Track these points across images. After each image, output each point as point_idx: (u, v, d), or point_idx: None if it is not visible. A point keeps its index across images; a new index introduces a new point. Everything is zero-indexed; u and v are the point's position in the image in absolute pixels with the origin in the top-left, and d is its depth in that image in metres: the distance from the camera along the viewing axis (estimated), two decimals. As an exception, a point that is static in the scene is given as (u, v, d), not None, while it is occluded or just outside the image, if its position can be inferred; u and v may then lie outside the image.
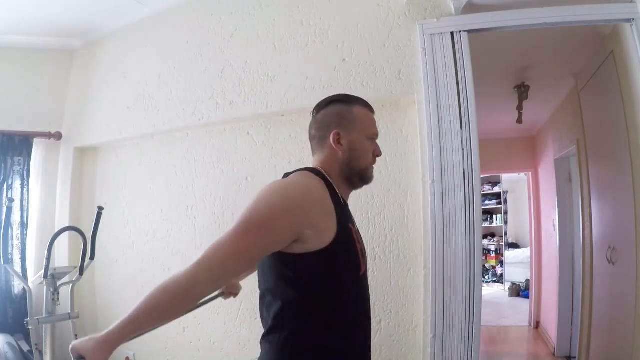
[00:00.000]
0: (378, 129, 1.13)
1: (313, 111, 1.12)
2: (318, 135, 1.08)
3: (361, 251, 1.01)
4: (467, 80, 1.72)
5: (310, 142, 1.12)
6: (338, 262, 0.94)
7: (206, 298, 1.13)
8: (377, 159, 1.12)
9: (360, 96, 1.13)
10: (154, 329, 0.91)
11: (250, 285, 1.24)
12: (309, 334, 0.93)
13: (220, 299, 1.42)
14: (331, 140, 1.04)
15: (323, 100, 1.11)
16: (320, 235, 0.91)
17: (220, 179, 2.35)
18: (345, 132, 1.05)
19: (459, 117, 1.71)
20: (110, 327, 0.84)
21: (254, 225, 0.87)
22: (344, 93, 1.14)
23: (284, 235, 0.89)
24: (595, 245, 2.56)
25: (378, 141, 1.12)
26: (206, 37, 2.39)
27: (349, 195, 1.11)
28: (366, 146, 1.07)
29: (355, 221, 1.11)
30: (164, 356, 2.48)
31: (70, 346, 0.85)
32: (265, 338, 0.97)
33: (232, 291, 1.42)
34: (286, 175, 1.05)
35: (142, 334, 0.91)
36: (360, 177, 1.07)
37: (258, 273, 1.03)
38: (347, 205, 1.08)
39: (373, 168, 1.11)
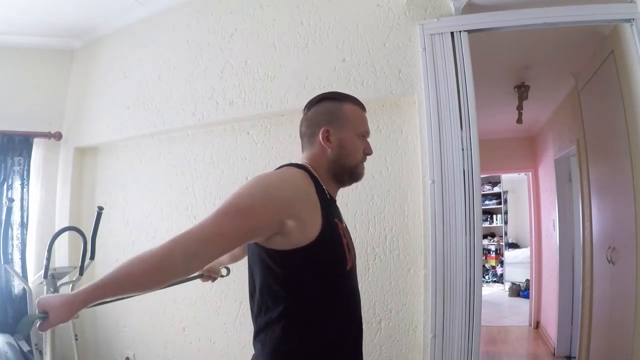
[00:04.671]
0: (369, 127, 1.12)
1: (304, 108, 1.11)
2: (308, 132, 1.08)
3: (347, 246, 1.00)
4: (467, 80, 1.72)
5: (301, 139, 1.11)
6: (324, 256, 0.94)
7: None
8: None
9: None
10: (122, 299, 0.95)
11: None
12: (298, 332, 0.92)
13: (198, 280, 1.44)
14: (320, 137, 1.04)
15: (314, 98, 1.11)
16: (304, 228, 0.91)
17: (220, 179, 2.36)
18: (335, 129, 1.04)
19: (459, 117, 1.71)
20: (80, 289, 0.85)
21: (234, 209, 0.88)
22: (336, 90, 1.14)
23: (264, 222, 0.88)
24: (595, 245, 2.56)
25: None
26: (206, 37, 2.39)
27: (336, 192, 1.10)
28: (356, 144, 1.06)
29: (345, 219, 1.10)
30: (164, 356, 2.49)
31: (37, 300, 0.86)
32: (256, 339, 0.97)
33: (211, 275, 1.44)
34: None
35: (110, 301, 0.91)
36: (349, 174, 1.07)
37: (248, 273, 1.03)
38: (334, 201, 1.07)
39: (364, 165, 1.10)
